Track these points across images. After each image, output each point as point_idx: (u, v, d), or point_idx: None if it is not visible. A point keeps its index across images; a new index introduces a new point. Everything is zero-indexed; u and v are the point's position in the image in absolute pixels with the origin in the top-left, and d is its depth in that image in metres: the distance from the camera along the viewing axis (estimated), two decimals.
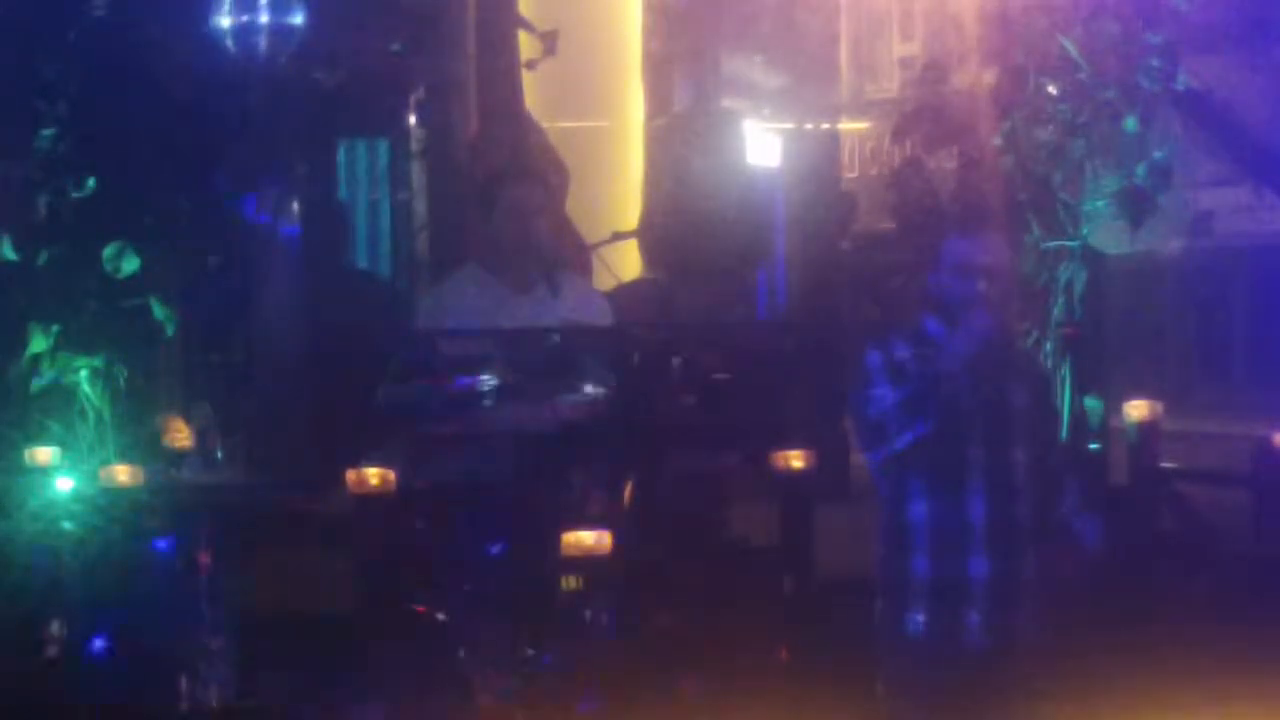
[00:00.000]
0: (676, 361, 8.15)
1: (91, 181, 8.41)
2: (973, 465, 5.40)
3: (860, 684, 5.97)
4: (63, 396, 8.37)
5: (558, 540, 6.92)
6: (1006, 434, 5.45)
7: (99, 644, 7.42)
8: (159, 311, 8.41)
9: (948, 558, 5.40)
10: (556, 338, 7.40)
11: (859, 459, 7.61)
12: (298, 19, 9.55)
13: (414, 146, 11.18)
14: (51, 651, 7.51)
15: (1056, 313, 8.89)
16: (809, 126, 13.55)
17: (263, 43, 9.45)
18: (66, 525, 7.75)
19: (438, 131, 11.17)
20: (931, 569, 5.41)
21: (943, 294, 5.48)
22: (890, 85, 14.97)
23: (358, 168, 11.50)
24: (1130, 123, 8.82)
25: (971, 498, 5.40)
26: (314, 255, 10.21)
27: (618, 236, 11.39)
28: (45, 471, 8.02)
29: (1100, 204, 8.89)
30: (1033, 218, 8.89)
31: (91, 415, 8.36)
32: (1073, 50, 8.81)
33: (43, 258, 8.46)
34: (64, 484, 7.96)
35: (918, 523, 5.43)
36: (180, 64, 8.58)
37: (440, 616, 7.20)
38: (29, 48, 8.49)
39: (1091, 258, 9.00)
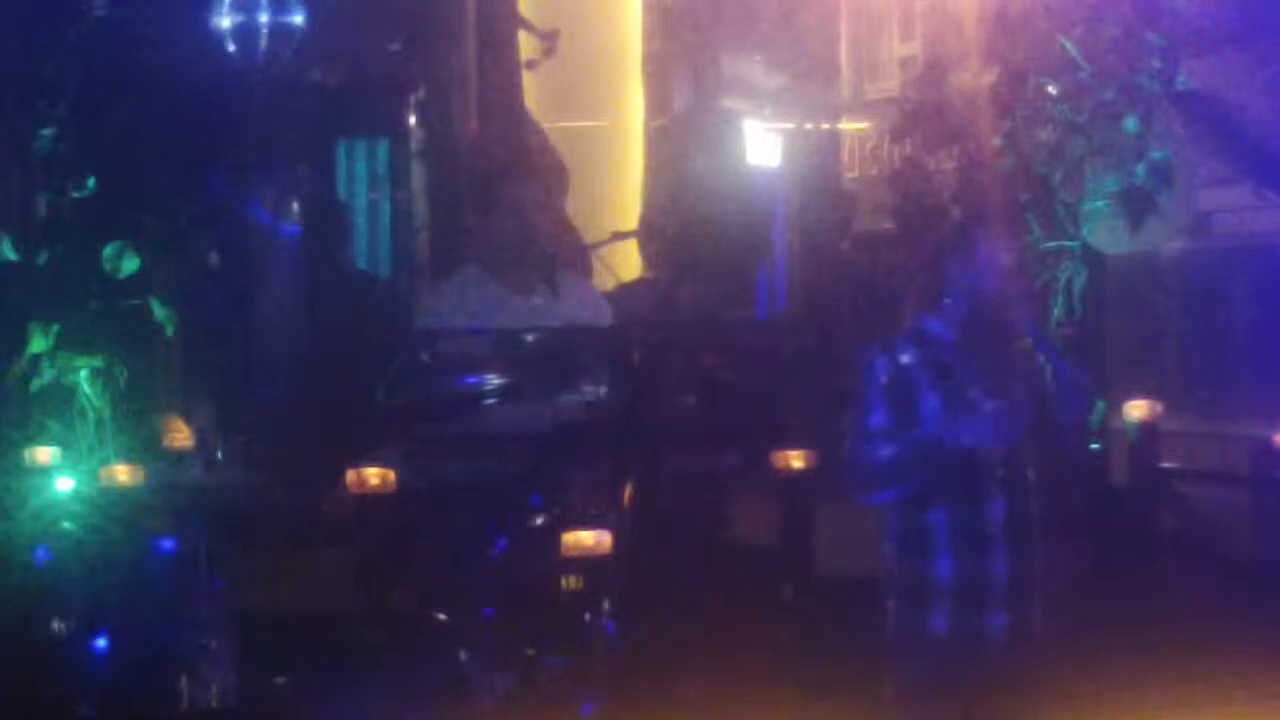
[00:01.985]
0: (676, 361, 8.15)
1: (91, 181, 8.42)
2: (990, 467, 5.37)
3: (860, 684, 5.97)
4: (63, 396, 8.37)
5: (558, 540, 6.92)
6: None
7: (99, 644, 7.42)
8: (159, 311, 8.42)
9: (969, 558, 5.37)
10: (556, 338, 7.41)
11: None
12: (298, 19, 9.55)
13: (414, 146, 11.17)
14: (52, 651, 7.51)
15: (1056, 313, 8.89)
16: (809, 126, 13.53)
17: (263, 43, 9.45)
18: (66, 525, 7.75)
19: (438, 131, 11.16)
20: (954, 570, 5.39)
21: (953, 296, 5.45)
22: (890, 85, 14.93)
23: (358, 168, 11.49)
24: (1130, 123, 8.82)
25: (991, 498, 5.37)
26: (314, 255, 10.21)
27: (618, 236, 11.39)
28: (45, 471, 8.03)
29: (1100, 204, 8.89)
30: (1033, 218, 8.89)
31: (91, 415, 8.36)
32: (1073, 50, 8.81)
33: (43, 258, 8.47)
34: (64, 484, 7.96)
35: (937, 525, 5.40)
36: (180, 64, 8.58)
37: (440, 616, 7.20)
38: (29, 48, 8.49)
39: (1091, 258, 9.00)
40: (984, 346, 5.44)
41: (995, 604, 5.37)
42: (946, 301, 5.47)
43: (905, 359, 5.44)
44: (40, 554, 7.69)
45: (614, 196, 12.96)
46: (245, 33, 9.44)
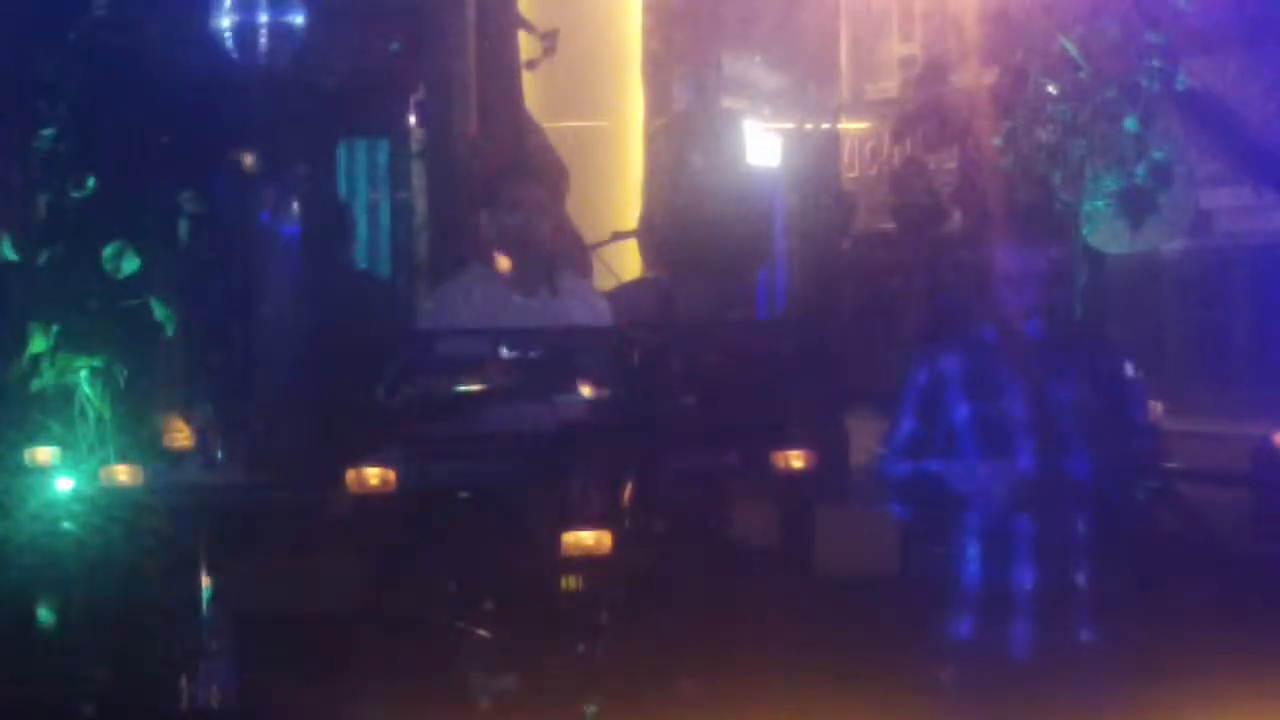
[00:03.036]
0: (676, 361, 8.15)
1: (91, 181, 8.41)
2: (1026, 474, 5.34)
3: (861, 684, 5.97)
4: (63, 396, 8.37)
5: (558, 540, 6.92)
6: (1060, 439, 5.39)
7: (99, 644, 7.42)
8: (159, 311, 8.41)
9: (1002, 564, 5.36)
10: (556, 338, 7.41)
11: (859, 459, 7.57)
12: (298, 19, 9.54)
13: (414, 146, 11.16)
14: (51, 651, 7.51)
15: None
16: (809, 126, 13.53)
17: (263, 43, 9.45)
18: (66, 525, 7.75)
19: (438, 131, 11.15)
20: (987, 576, 5.37)
21: (999, 305, 5.42)
22: (890, 85, 14.97)
23: (358, 168, 11.49)
24: (1130, 123, 8.81)
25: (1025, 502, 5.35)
26: (314, 255, 10.20)
27: (618, 236, 11.37)
28: (45, 471, 8.02)
29: (1100, 204, 8.88)
30: (1033, 218, 8.87)
31: (91, 415, 8.36)
32: (1073, 50, 8.81)
33: (43, 258, 8.47)
34: (64, 484, 7.96)
35: (972, 530, 5.39)
36: (180, 64, 8.58)
37: (440, 617, 7.20)
38: (29, 48, 8.49)
39: (1091, 258, 8.99)
40: (1035, 353, 5.41)
41: (1026, 614, 5.35)
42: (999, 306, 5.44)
43: (946, 364, 5.41)
44: (40, 554, 7.70)
45: (614, 196, 12.95)
46: (245, 33, 9.43)
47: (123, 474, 7.89)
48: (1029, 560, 5.35)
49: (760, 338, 10.04)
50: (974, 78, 9.58)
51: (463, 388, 7.31)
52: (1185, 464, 8.78)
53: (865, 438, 10.52)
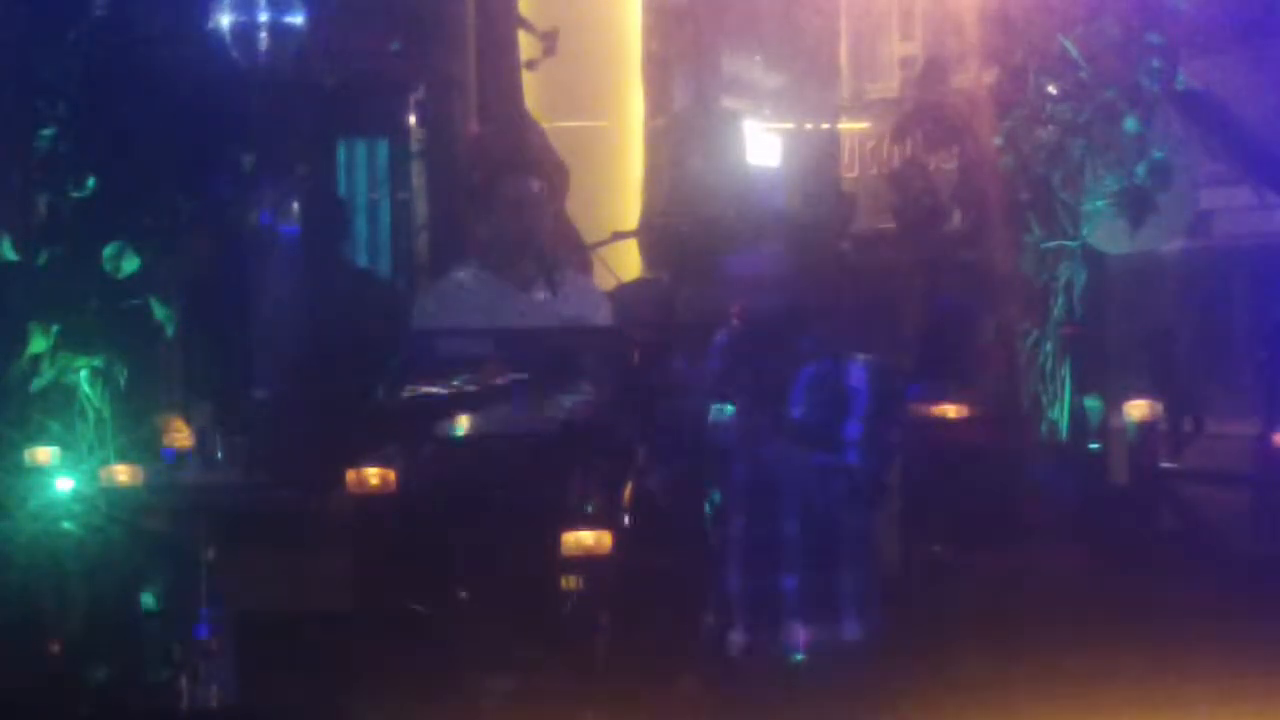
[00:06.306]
0: (676, 361, 8.15)
1: (91, 181, 8.42)
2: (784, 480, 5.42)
3: (857, 683, 5.96)
4: (63, 396, 8.37)
5: (558, 540, 6.92)
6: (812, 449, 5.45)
7: (98, 643, 7.42)
8: (159, 311, 8.41)
9: (762, 572, 5.43)
10: (556, 337, 7.41)
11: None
12: (298, 19, 9.55)
13: (414, 146, 11.17)
14: (51, 651, 7.51)
15: (1056, 313, 8.89)
16: (809, 126, 13.53)
17: (263, 43, 9.45)
18: (66, 525, 7.75)
19: (438, 131, 11.16)
20: (745, 583, 5.45)
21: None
22: (890, 85, 14.95)
23: (358, 168, 11.49)
24: (1130, 123, 8.82)
25: (786, 512, 5.42)
26: (314, 255, 10.20)
27: (618, 236, 11.36)
28: (45, 471, 8.03)
29: (1100, 204, 8.89)
30: (1033, 218, 8.89)
31: (91, 415, 8.36)
32: (1073, 50, 8.81)
33: (43, 258, 8.47)
34: (64, 484, 7.96)
35: (735, 537, 5.47)
36: (180, 64, 8.58)
37: (440, 616, 7.20)
38: (29, 48, 8.49)
39: (1091, 258, 9.00)
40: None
41: (791, 617, 5.41)
42: None
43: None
44: (40, 554, 7.70)
45: (614, 196, 12.94)
46: (245, 33, 9.43)
47: (123, 474, 7.89)
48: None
49: None
50: (974, 78, 9.59)
51: (462, 388, 7.32)
52: (1185, 464, 8.80)
53: None
